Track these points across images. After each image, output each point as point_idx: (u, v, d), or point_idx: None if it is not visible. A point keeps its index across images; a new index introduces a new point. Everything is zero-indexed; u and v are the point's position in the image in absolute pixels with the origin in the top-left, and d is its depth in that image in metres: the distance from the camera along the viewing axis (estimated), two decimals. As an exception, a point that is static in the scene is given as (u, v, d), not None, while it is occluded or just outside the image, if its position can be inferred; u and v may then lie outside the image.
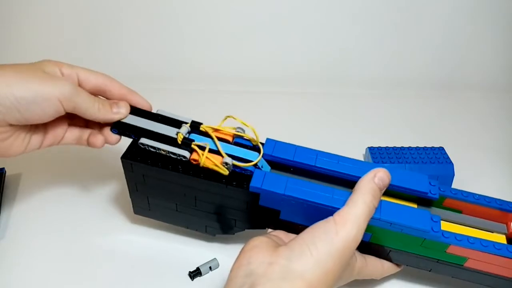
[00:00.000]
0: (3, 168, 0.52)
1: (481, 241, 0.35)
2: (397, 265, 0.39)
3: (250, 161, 0.37)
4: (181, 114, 0.42)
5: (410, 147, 0.53)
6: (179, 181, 0.38)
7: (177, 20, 0.71)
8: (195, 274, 0.41)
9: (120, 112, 0.40)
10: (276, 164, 0.39)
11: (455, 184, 0.51)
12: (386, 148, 0.54)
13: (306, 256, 0.30)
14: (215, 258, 0.42)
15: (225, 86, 0.71)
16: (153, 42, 0.73)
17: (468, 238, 0.35)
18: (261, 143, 0.40)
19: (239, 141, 0.40)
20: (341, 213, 0.32)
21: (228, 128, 0.40)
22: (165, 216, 0.43)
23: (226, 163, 0.37)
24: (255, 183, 0.36)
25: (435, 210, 0.38)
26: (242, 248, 0.33)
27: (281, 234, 0.37)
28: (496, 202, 0.38)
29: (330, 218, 0.32)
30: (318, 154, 0.39)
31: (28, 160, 0.54)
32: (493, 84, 0.73)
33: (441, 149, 0.52)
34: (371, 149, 0.54)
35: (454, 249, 0.35)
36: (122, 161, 0.39)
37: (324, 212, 0.34)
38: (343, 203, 0.34)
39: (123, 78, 0.71)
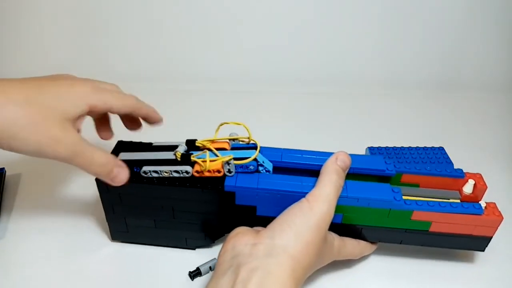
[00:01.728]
0: (3, 168, 0.51)
1: (439, 203, 0.38)
2: (372, 243, 0.42)
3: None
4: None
5: (410, 147, 0.53)
6: (155, 193, 0.39)
7: (177, 20, 0.71)
8: (195, 274, 0.41)
9: (119, 178, 0.37)
10: None
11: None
12: (386, 148, 0.53)
13: (286, 232, 0.33)
14: (215, 258, 0.42)
15: (225, 86, 0.71)
16: (152, 42, 0.73)
17: (427, 202, 0.38)
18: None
19: (235, 146, 0.42)
20: (312, 193, 0.35)
21: (222, 138, 0.42)
22: (144, 237, 0.44)
23: (228, 163, 0.38)
24: (229, 182, 0.38)
25: (396, 186, 0.42)
26: (227, 236, 0.35)
27: (260, 228, 0.39)
28: (446, 170, 0.42)
29: (303, 199, 0.35)
30: (282, 152, 0.42)
31: (28, 160, 0.54)
32: (493, 84, 0.73)
33: (441, 149, 0.52)
34: (371, 149, 0.54)
35: (417, 215, 0.38)
36: (97, 183, 0.39)
37: (296, 199, 0.36)
38: (312, 188, 0.37)
39: (123, 78, 0.71)
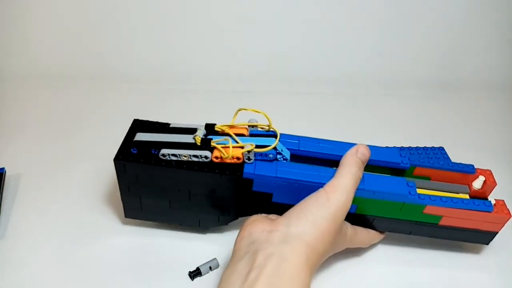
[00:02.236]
0: (3, 168, 0.51)
1: (451, 199, 0.39)
2: (381, 232, 0.43)
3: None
4: (192, 122, 0.43)
5: (410, 147, 0.52)
6: (173, 176, 0.40)
7: (177, 20, 0.71)
8: (195, 274, 0.42)
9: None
10: None
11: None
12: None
13: (302, 220, 0.34)
14: (215, 258, 0.43)
15: (225, 86, 0.70)
16: (153, 42, 0.73)
17: (440, 198, 0.39)
18: None
19: (254, 132, 0.42)
20: (331, 184, 0.36)
21: (241, 124, 0.42)
22: (158, 215, 0.44)
23: (248, 152, 0.38)
24: (248, 169, 0.38)
25: (410, 180, 0.43)
26: (243, 224, 0.36)
27: (275, 216, 0.40)
28: (458, 166, 0.43)
29: (321, 189, 0.36)
30: (300, 139, 0.42)
31: (28, 160, 0.54)
32: (493, 84, 0.73)
33: (441, 149, 0.51)
34: None
35: (430, 209, 0.39)
36: (115, 163, 0.39)
37: (314, 189, 0.37)
38: (329, 179, 0.37)
39: (125, 79, 0.72)
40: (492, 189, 0.43)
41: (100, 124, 0.62)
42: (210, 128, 0.41)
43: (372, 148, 0.41)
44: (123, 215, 0.45)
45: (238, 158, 0.39)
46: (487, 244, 0.43)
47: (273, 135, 0.41)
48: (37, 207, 0.48)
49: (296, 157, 0.42)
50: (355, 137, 0.59)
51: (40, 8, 0.70)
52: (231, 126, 0.42)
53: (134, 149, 0.40)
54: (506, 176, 0.55)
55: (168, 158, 0.39)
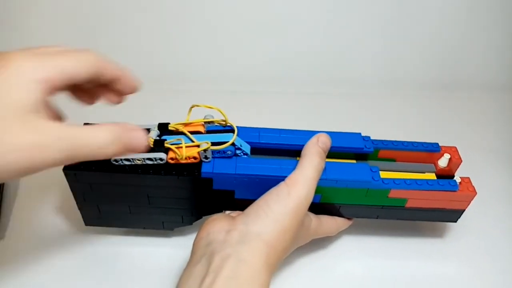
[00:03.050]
0: None
1: (416, 181, 0.39)
2: (349, 219, 0.42)
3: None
4: (147, 123, 0.40)
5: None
6: (128, 182, 0.38)
7: (176, 20, 0.68)
8: None
9: (138, 146, 0.30)
10: None
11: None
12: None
13: (261, 217, 0.32)
14: None
15: (225, 86, 0.69)
16: (152, 42, 0.70)
17: (405, 180, 0.38)
18: None
19: (211, 129, 0.40)
20: (292, 177, 0.35)
21: (197, 120, 0.40)
22: (119, 221, 0.42)
23: (205, 150, 0.36)
24: (206, 168, 0.37)
25: (372, 163, 0.42)
26: (203, 223, 0.35)
27: (238, 213, 0.39)
28: (422, 145, 0.42)
29: (282, 182, 0.35)
30: (260, 131, 0.40)
31: None
32: (493, 84, 0.72)
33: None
34: None
35: (394, 193, 0.38)
36: (65, 173, 0.37)
37: (275, 183, 0.36)
38: (291, 171, 0.36)
39: None
40: (458, 166, 0.42)
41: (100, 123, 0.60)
42: (163, 128, 0.39)
43: (333, 134, 0.40)
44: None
45: (195, 158, 0.37)
46: (455, 221, 0.42)
47: (231, 130, 0.39)
48: (37, 207, 0.47)
49: (258, 150, 0.40)
50: None
51: (41, 8, 0.67)
52: (186, 124, 0.40)
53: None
54: (506, 177, 0.55)
55: (121, 163, 0.37)
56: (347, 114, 0.66)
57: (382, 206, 0.40)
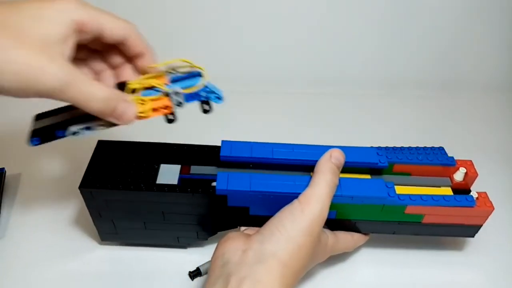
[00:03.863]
0: (3, 168, 0.50)
1: (432, 197, 0.38)
2: (365, 234, 0.42)
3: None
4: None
5: (410, 147, 0.51)
6: (143, 198, 0.38)
7: (176, 19, 0.69)
8: (195, 274, 0.40)
9: (127, 115, 0.33)
10: (236, 164, 0.40)
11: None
12: (386, 148, 0.51)
13: (276, 236, 0.32)
14: None
15: (225, 86, 0.68)
16: (152, 42, 0.70)
17: (421, 196, 0.38)
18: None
19: (176, 78, 0.37)
20: (305, 194, 0.35)
21: (156, 73, 0.36)
22: (135, 237, 0.43)
23: (176, 93, 0.34)
24: (220, 185, 0.37)
25: (387, 177, 0.41)
26: (219, 242, 0.35)
27: (254, 230, 0.38)
28: (437, 159, 0.42)
29: (295, 200, 0.34)
30: (273, 147, 0.40)
31: (28, 160, 0.54)
32: (493, 84, 0.72)
33: (441, 149, 0.50)
34: None
35: (411, 209, 0.38)
36: (81, 191, 0.38)
37: (290, 199, 0.36)
38: (305, 187, 0.36)
39: None
40: (474, 180, 0.42)
41: None
42: (121, 87, 0.35)
43: (347, 149, 0.40)
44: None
45: (166, 107, 0.35)
46: (473, 237, 0.42)
47: (198, 74, 0.37)
48: (37, 207, 0.48)
49: (271, 166, 0.40)
50: (355, 138, 0.60)
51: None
52: (147, 78, 0.36)
53: (36, 139, 0.35)
54: (506, 177, 0.55)
55: (82, 134, 0.34)
56: (347, 114, 0.66)
57: (399, 222, 0.40)
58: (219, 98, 0.37)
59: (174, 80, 0.36)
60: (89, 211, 0.40)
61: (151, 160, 0.41)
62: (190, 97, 0.36)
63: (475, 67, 0.72)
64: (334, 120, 0.65)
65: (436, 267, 0.44)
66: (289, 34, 0.69)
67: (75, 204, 0.48)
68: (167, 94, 0.35)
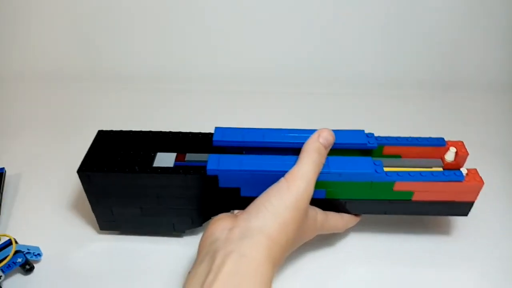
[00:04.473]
0: (3, 168, 0.52)
1: (420, 173, 0.39)
2: (356, 215, 0.42)
3: None
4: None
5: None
6: (138, 182, 0.39)
7: (176, 20, 0.71)
8: None
9: None
10: (229, 149, 0.41)
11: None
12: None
13: (262, 212, 0.33)
14: None
15: (225, 86, 0.70)
16: (153, 42, 0.73)
17: (409, 172, 0.39)
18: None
19: None
20: (291, 172, 0.35)
21: None
22: (132, 225, 0.44)
23: None
24: (211, 166, 0.38)
25: (377, 159, 0.42)
26: (208, 224, 0.35)
27: (240, 212, 0.39)
28: (427, 140, 0.42)
29: (282, 178, 0.35)
30: (264, 132, 0.42)
31: (28, 160, 0.55)
32: (493, 84, 0.72)
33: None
34: None
35: (399, 186, 0.38)
36: (79, 175, 0.39)
37: (279, 178, 0.36)
38: (293, 166, 0.37)
39: (124, 78, 0.72)
40: (465, 160, 0.42)
41: (100, 123, 0.62)
42: None
43: (336, 132, 0.41)
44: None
45: None
46: (466, 215, 0.41)
47: (9, 243, 0.40)
48: (37, 207, 0.49)
49: (264, 149, 0.41)
50: None
51: (40, 8, 0.71)
52: None
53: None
54: (507, 177, 0.55)
55: None
56: (348, 114, 0.66)
57: (389, 200, 0.40)
58: (38, 254, 0.41)
59: None
60: (88, 197, 0.41)
61: (148, 148, 0.43)
62: (6, 268, 0.39)
63: (477, 67, 0.72)
64: (334, 120, 0.65)
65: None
66: (290, 34, 0.70)
67: (75, 204, 0.49)
68: None
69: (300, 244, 0.38)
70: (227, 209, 0.42)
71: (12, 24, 0.72)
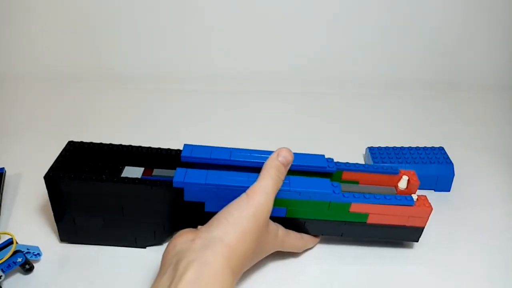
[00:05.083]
0: (3, 168, 0.51)
1: (374, 195, 0.41)
2: (315, 236, 0.44)
3: None
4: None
5: (410, 147, 0.53)
6: (104, 190, 0.40)
7: (176, 20, 0.72)
8: None
9: None
10: (196, 165, 0.43)
11: (455, 184, 0.52)
12: (386, 148, 0.54)
13: (223, 223, 0.35)
14: None
15: (225, 86, 0.71)
16: (153, 43, 0.73)
17: (364, 195, 0.41)
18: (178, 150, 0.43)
19: None
20: (252, 188, 0.38)
21: None
22: (93, 236, 0.44)
23: None
24: (178, 178, 0.39)
25: (335, 181, 0.44)
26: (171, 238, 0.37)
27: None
28: (382, 168, 0.45)
29: (243, 194, 0.38)
30: (232, 151, 0.44)
31: (28, 160, 0.55)
32: (493, 84, 0.73)
33: (441, 149, 0.51)
34: (371, 149, 0.55)
35: (355, 207, 0.41)
36: (45, 180, 0.40)
37: (242, 193, 0.38)
38: None
39: (124, 78, 0.73)
40: (417, 188, 0.45)
41: (100, 123, 0.63)
42: None
43: (299, 155, 0.43)
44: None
45: None
46: (417, 241, 0.44)
47: (9, 242, 0.41)
48: (37, 207, 0.48)
49: (229, 167, 0.43)
50: (355, 137, 0.61)
51: (40, 8, 0.71)
52: None
53: None
54: (507, 177, 0.55)
55: None
56: (348, 114, 0.67)
57: (345, 222, 0.42)
58: (38, 254, 0.41)
59: None
60: (52, 204, 0.41)
61: (117, 161, 0.44)
62: (6, 267, 0.39)
63: (475, 67, 0.73)
64: (334, 120, 0.66)
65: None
66: (290, 34, 0.72)
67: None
68: None
69: (261, 257, 0.40)
70: (191, 225, 0.42)
71: (12, 24, 0.73)
